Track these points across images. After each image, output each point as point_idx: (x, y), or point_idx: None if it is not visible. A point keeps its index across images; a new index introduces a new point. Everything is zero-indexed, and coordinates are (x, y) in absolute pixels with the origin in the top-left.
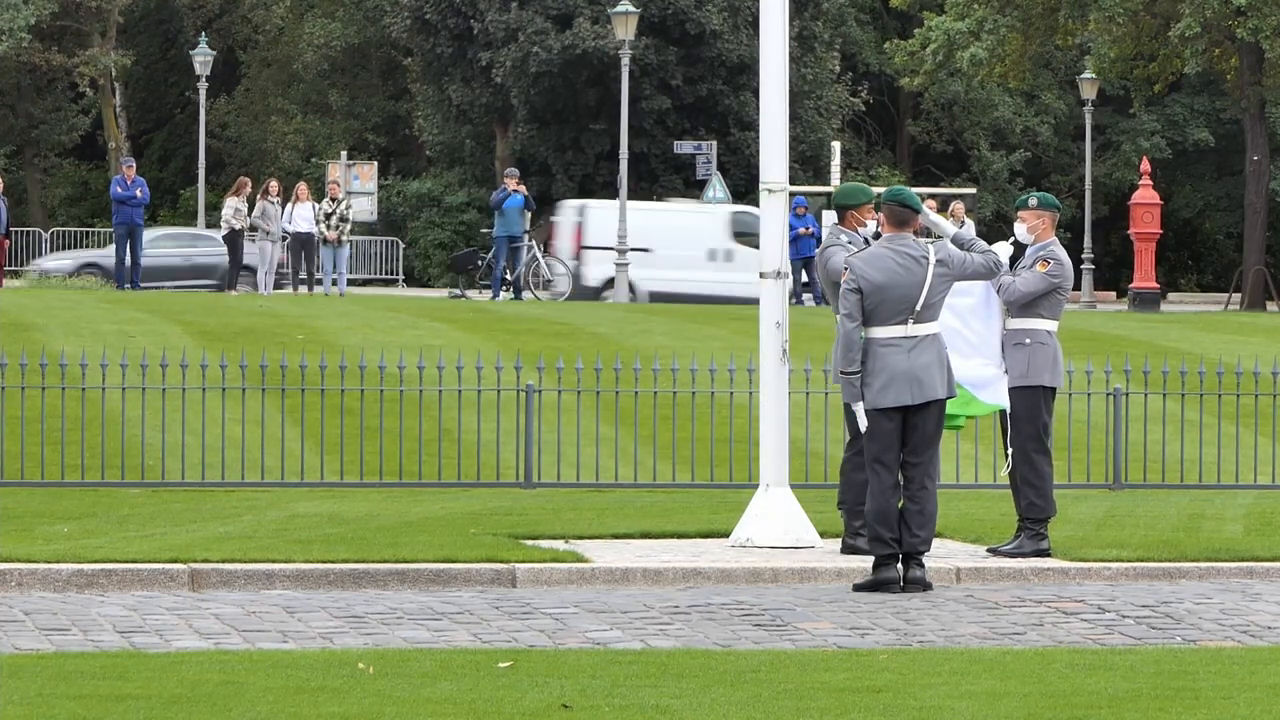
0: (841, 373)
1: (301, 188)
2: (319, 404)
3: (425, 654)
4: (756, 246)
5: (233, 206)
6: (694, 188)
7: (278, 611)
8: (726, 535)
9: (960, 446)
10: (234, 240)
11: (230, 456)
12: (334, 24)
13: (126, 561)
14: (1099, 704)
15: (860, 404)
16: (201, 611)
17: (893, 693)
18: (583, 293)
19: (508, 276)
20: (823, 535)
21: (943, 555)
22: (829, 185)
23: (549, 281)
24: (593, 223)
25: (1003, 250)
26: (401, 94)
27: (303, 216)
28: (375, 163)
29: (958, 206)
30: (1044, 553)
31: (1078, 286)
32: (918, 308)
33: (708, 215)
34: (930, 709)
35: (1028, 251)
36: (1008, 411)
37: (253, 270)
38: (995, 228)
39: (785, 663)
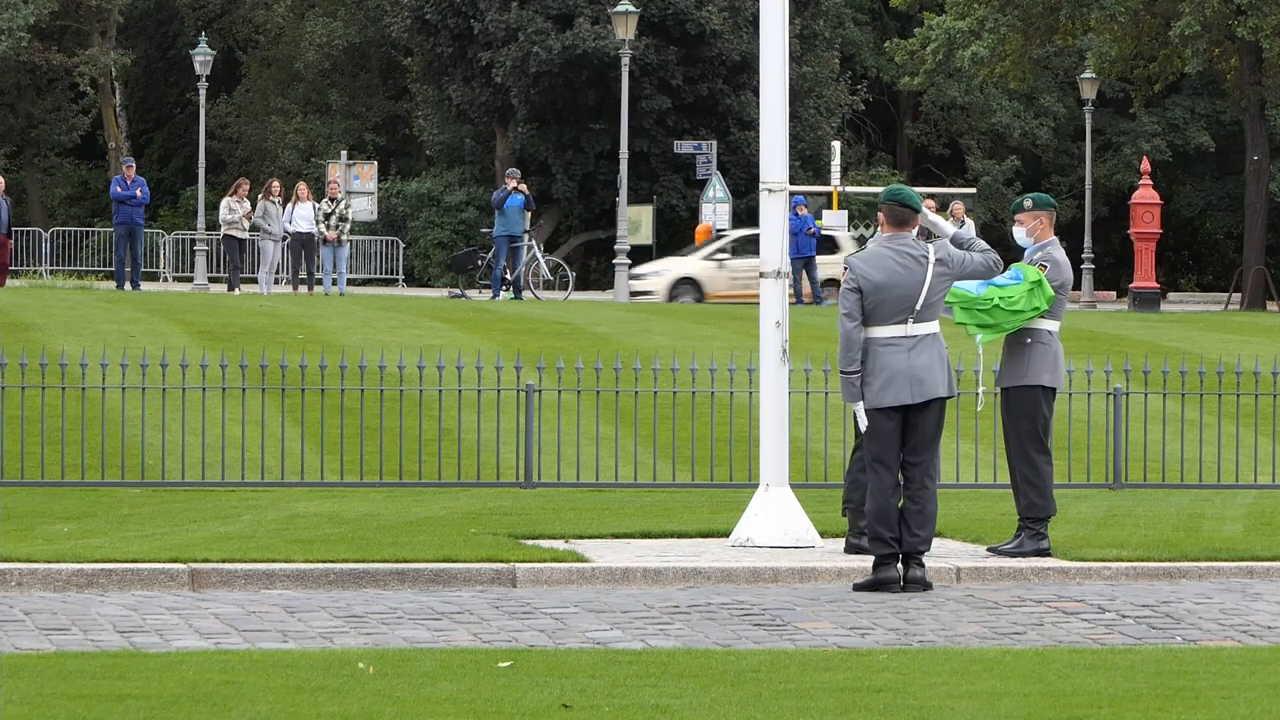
0: (841, 372)
1: (302, 187)
2: (319, 404)
3: (425, 654)
4: None
5: (227, 206)
6: (694, 187)
7: (278, 611)
8: (726, 535)
9: (960, 446)
10: (233, 242)
11: (230, 456)
12: (334, 24)
13: (126, 561)
14: (1099, 704)
15: (860, 404)
16: (201, 611)
17: (893, 693)
18: None
19: (508, 276)
20: (823, 535)
21: (943, 555)
22: (829, 185)
23: (548, 281)
24: None
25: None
26: (401, 94)
27: (303, 216)
28: (375, 163)
29: (957, 206)
30: (1044, 552)
31: (1078, 286)
32: (917, 307)
33: None
34: (930, 709)
35: (1026, 252)
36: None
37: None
38: (993, 232)
39: (785, 663)
